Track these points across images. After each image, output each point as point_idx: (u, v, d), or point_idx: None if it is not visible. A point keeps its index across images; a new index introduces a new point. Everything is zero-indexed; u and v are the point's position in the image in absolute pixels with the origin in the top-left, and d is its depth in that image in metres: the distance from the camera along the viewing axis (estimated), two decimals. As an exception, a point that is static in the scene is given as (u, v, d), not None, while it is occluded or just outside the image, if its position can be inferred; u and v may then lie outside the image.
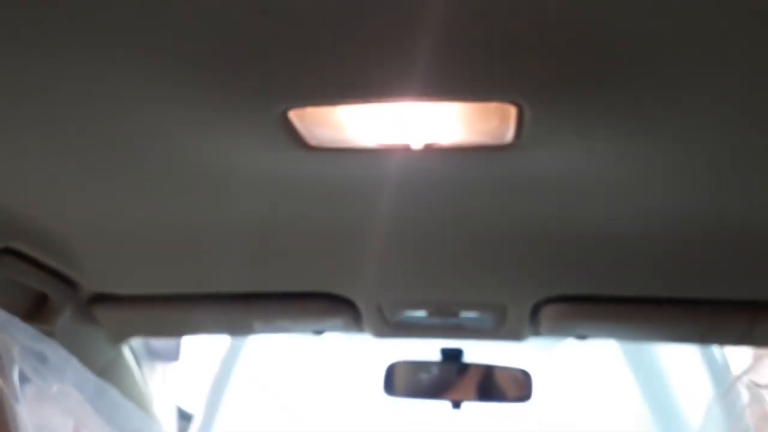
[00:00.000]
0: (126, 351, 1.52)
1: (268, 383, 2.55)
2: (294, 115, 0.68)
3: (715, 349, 2.52)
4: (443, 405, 1.60)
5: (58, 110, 0.71)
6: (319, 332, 1.43)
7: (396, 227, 0.99)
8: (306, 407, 2.52)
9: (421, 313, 1.33)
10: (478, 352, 1.62)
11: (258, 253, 1.11)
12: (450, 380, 1.58)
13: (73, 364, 1.08)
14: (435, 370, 1.59)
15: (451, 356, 1.57)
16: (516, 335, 1.36)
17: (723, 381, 2.49)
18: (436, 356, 1.59)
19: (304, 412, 2.53)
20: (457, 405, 1.58)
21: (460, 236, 1.01)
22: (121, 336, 1.43)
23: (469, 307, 1.27)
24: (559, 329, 1.29)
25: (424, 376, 1.59)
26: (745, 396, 2.60)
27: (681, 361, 2.55)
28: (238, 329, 1.45)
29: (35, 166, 0.85)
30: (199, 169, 0.84)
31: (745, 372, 2.62)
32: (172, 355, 7.10)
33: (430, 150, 0.74)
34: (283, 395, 2.55)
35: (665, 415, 2.48)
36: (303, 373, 2.53)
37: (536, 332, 1.34)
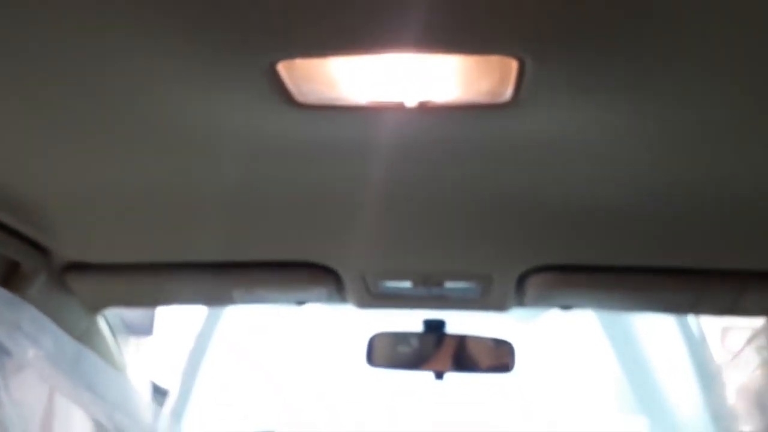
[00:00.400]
0: (101, 322, 1.48)
1: (248, 352, 2.52)
2: (283, 68, 0.63)
3: (691, 320, 2.54)
4: (426, 376, 1.59)
5: (28, 66, 0.66)
6: (301, 302, 1.40)
7: (384, 193, 0.95)
8: (287, 376, 2.50)
9: (405, 284, 1.30)
10: (460, 324, 1.61)
11: (239, 219, 1.08)
12: (432, 351, 1.56)
13: (50, 329, 1.04)
14: (417, 342, 1.57)
15: (434, 328, 1.56)
16: (500, 305, 1.34)
17: (699, 351, 2.50)
18: (419, 328, 1.58)
19: (285, 380, 2.51)
20: (439, 376, 1.56)
21: (449, 203, 0.98)
22: (96, 306, 1.39)
23: (455, 277, 1.24)
24: (545, 299, 1.28)
25: (406, 348, 1.57)
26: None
27: (657, 331, 2.57)
28: (218, 299, 1.41)
29: (3, 128, 0.80)
30: (179, 128, 0.80)
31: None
32: (146, 330, 7.04)
33: (424, 108, 0.71)
34: (264, 364, 2.53)
35: (643, 385, 2.50)
36: (285, 342, 2.51)
37: (521, 303, 1.32)
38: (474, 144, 0.80)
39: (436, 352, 1.55)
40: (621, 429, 2.48)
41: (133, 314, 6.94)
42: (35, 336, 0.99)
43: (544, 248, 1.11)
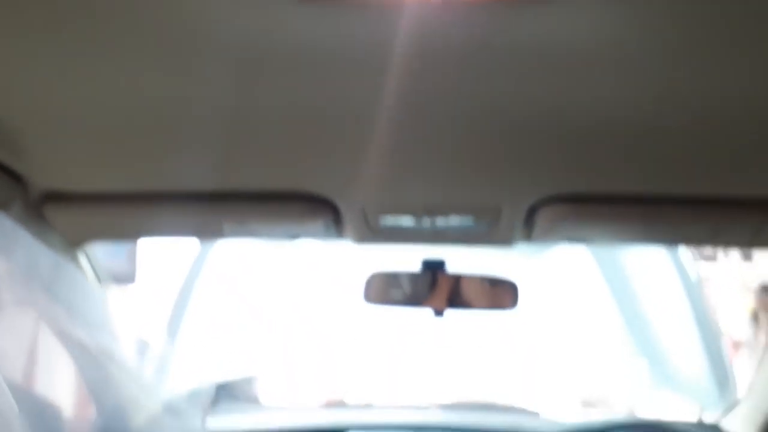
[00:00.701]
0: (83, 258, 1.40)
1: (239, 291, 2.47)
2: None
3: (687, 265, 2.51)
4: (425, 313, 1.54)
5: None
6: (294, 236, 1.32)
7: (391, 112, 0.87)
8: (278, 316, 2.45)
9: (407, 218, 1.23)
10: (460, 265, 1.55)
11: (230, 144, 0.99)
12: (431, 290, 1.50)
13: (23, 240, 0.95)
14: (415, 280, 1.51)
15: (433, 267, 1.49)
16: (507, 240, 1.27)
17: (695, 295, 2.48)
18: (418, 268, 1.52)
19: (276, 320, 2.46)
20: (439, 313, 1.51)
21: (461, 124, 0.90)
22: (77, 240, 1.31)
23: (462, 209, 1.17)
24: (555, 232, 1.21)
25: (404, 286, 1.51)
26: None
27: (655, 276, 2.54)
28: (207, 232, 1.33)
29: None
30: (164, 34, 0.71)
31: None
32: (129, 278, 6.98)
33: (447, 3, 0.62)
34: (256, 300, 2.48)
35: (641, 328, 2.48)
36: (278, 278, 2.45)
37: (529, 237, 1.26)
38: (498, 49, 0.71)
39: (435, 290, 1.49)
40: (621, 371, 2.47)
41: (116, 261, 6.87)
42: (8, 249, 0.90)
43: (558, 175, 1.04)
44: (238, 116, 0.91)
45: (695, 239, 1.23)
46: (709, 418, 2.18)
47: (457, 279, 1.47)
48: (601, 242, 1.28)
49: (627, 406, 2.87)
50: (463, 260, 1.55)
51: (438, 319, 1.55)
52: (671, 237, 1.23)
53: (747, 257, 9.30)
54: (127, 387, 1.91)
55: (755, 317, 5.33)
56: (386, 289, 1.50)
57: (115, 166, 1.07)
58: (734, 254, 9.18)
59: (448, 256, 1.52)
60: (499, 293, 1.51)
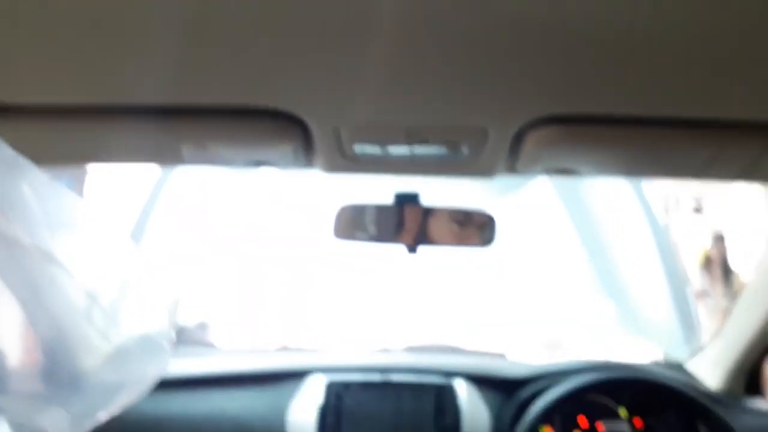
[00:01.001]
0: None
1: (200, 223, 2.36)
2: None
3: (654, 208, 2.49)
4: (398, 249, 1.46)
5: None
6: (260, 164, 1.21)
7: (371, 24, 0.77)
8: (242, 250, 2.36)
9: (384, 144, 1.13)
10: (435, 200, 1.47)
11: (189, 51, 0.87)
12: (404, 224, 1.42)
13: None
14: (388, 214, 1.42)
15: (407, 200, 1.41)
16: (489, 170, 1.19)
17: (662, 240, 2.47)
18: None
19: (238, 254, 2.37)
20: (412, 249, 1.43)
21: (447, 33, 0.80)
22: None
23: (445, 132, 1.07)
24: (542, 160, 1.13)
25: (377, 219, 1.42)
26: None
27: (623, 219, 2.52)
28: (164, 156, 1.21)
29: None
30: None
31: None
32: (76, 223, 6.77)
33: None
34: (215, 235, 2.37)
35: (609, 270, 2.46)
36: (240, 212, 2.35)
37: (513, 167, 1.17)
38: None
39: (409, 224, 1.41)
40: (589, 311, 2.45)
41: (62, 206, 6.67)
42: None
43: (549, 94, 0.95)
44: (199, 19, 0.79)
45: (689, 169, 1.16)
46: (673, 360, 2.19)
47: (432, 212, 1.39)
48: (588, 173, 1.20)
49: (593, 348, 2.88)
50: (437, 196, 1.47)
51: (411, 255, 1.47)
52: (664, 166, 1.16)
53: (698, 210, 9.50)
54: (78, 328, 1.81)
55: (707, 265, 5.43)
56: (356, 224, 1.41)
57: (64, 77, 0.95)
58: (686, 206, 9.36)
59: (423, 191, 1.44)
60: (477, 228, 1.44)
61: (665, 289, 2.37)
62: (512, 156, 1.12)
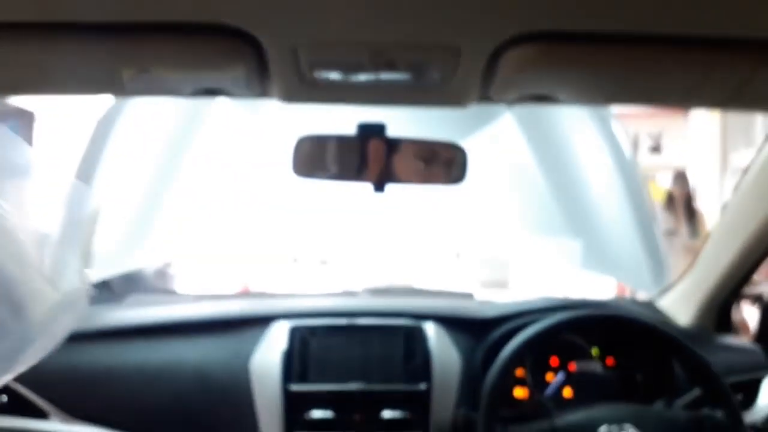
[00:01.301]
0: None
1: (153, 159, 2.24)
2: None
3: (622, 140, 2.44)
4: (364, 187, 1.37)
5: None
6: (210, 92, 1.09)
7: None
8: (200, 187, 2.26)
9: (347, 68, 1.03)
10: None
11: None
12: (370, 159, 1.32)
13: None
14: (352, 147, 1.32)
15: (372, 131, 1.31)
16: (462, 96, 1.09)
17: (625, 164, 2.42)
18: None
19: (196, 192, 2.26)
20: (379, 187, 1.34)
21: None
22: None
23: (413, 54, 0.97)
24: (518, 85, 1.04)
25: (338, 155, 1.32)
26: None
27: (588, 152, 2.46)
28: (105, 84, 1.09)
29: None
30: None
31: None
32: (24, 170, 6.53)
33: None
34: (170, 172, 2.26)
35: (575, 208, 2.41)
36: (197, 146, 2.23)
37: (487, 93, 1.08)
38: None
39: (373, 160, 1.31)
40: (554, 251, 2.41)
41: (8, 153, 6.42)
42: None
43: (531, 7, 0.85)
44: None
45: (674, 94, 1.09)
46: (642, 298, 2.17)
47: (399, 148, 1.29)
48: (566, 99, 1.11)
49: (560, 286, 2.87)
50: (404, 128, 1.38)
51: (377, 194, 1.39)
52: (647, 90, 1.08)
53: (656, 149, 9.59)
54: (26, 277, 1.70)
55: (670, 203, 5.47)
56: (317, 159, 1.31)
57: None
58: (644, 146, 9.43)
59: (389, 122, 1.34)
60: (445, 165, 1.36)
61: (632, 226, 2.34)
62: (486, 81, 1.03)
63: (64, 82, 1.08)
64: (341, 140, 1.31)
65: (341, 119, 1.34)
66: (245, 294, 2.13)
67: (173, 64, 0.97)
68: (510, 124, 2.36)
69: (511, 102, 1.14)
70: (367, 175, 1.34)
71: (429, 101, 1.14)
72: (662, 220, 5.12)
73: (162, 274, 5.42)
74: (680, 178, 5.66)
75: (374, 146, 1.31)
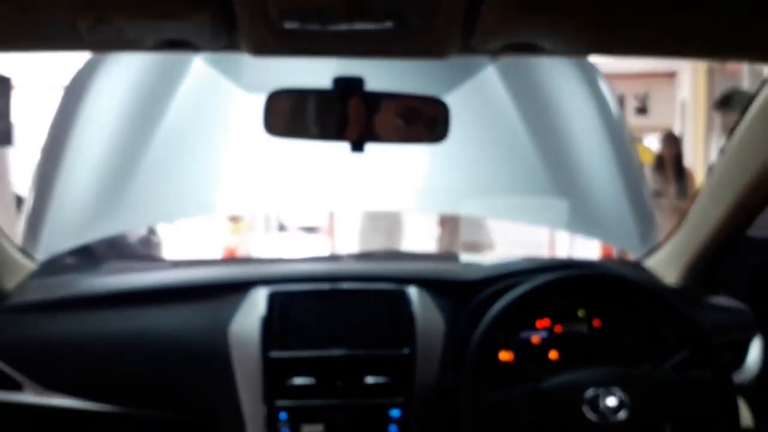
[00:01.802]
0: None
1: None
2: None
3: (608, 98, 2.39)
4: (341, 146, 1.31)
5: None
6: (174, 44, 1.03)
7: None
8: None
9: (315, 21, 0.96)
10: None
11: None
12: (348, 118, 1.26)
13: None
14: (330, 104, 1.26)
15: (349, 86, 1.25)
16: (443, 47, 1.03)
17: (615, 128, 2.38)
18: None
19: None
20: (358, 147, 1.28)
21: None
22: None
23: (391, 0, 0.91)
24: (502, 31, 0.98)
25: (316, 111, 1.26)
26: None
27: (574, 110, 2.41)
28: (61, 38, 1.02)
29: None
30: None
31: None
32: (4, 139, 6.43)
33: None
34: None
35: (560, 167, 2.37)
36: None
37: (468, 43, 1.02)
38: None
39: (354, 117, 1.26)
40: (539, 212, 2.37)
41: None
42: None
43: None
44: None
45: (661, 43, 1.04)
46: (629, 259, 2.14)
47: (379, 105, 1.23)
48: (552, 49, 1.06)
49: (547, 247, 2.84)
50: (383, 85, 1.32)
51: (355, 154, 1.33)
52: (635, 40, 1.02)
53: (642, 111, 9.56)
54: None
55: (660, 165, 5.44)
56: (292, 116, 1.25)
57: None
58: (630, 107, 9.41)
59: (368, 80, 1.28)
60: (427, 123, 1.30)
61: (619, 186, 2.29)
62: (468, 29, 0.97)
63: (17, 38, 1.01)
64: (318, 95, 1.25)
65: (317, 77, 1.28)
66: (226, 259, 2.08)
67: (132, 13, 0.91)
68: (492, 78, 2.30)
69: (495, 53, 1.08)
70: (346, 134, 1.28)
71: (408, 52, 1.08)
72: (651, 181, 5.09)
73: (146, 241, 5.36)
74: (669, 138, 5.62)
75: (353, 103, 1.25)
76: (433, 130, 1.32)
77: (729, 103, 4.80)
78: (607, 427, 1.32)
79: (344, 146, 1.29)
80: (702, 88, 8.07)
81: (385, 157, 2.04)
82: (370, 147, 1.32)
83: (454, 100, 1.38)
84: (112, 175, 2.27)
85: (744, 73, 6.34)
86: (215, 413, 1.53)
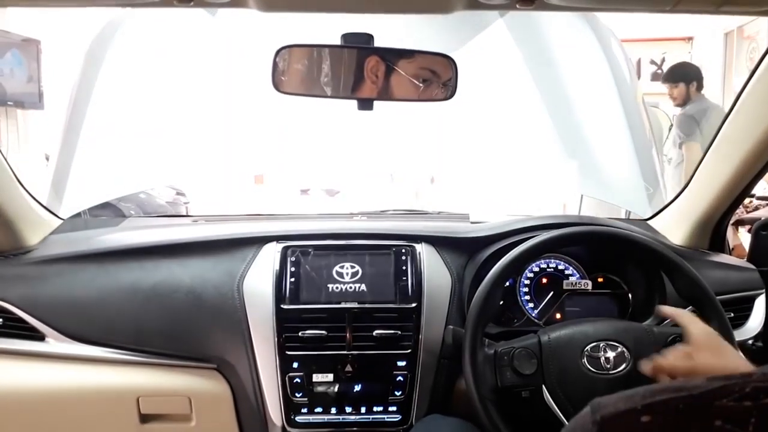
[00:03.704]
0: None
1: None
2: None
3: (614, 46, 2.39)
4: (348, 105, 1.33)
5: None
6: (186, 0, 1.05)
7: None
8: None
9: None
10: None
11: None
12: (355, 73, 1.28)
13: None
14: (336, 60, 1.28)
15: (358, 42, 1.26)
16: (448, 1, 1.05)
17: (625, 86, 2.38)
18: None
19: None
20: (366, 105, 1.30)
21: None
22: None
23: None
24: None
25: (324, 67, 1.28)
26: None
27: (587, 73, 2.41)
28: None
29: None
30: None
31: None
32: (35, 103, 6.50)
33: None
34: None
35: (571, 129, 2.38)
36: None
37: None
38: None
39: (361, 73, 1.27)
40: (551, 173, 2.38)
41: (17, 86, 6.38)
42: None
43: None
44: None
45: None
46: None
47: (389, 57, 1.25)
48: (560, 3, 1.06)
49: (555, 206, 2.86)
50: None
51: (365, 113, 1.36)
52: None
53: (658, 77, 9.41)
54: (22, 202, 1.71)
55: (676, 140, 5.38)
56: (300, 72, 1.27)
57: None
58: (647, 72, 9.27)
59: (376, 35, 1.29)
60: (441, 75, 1.31)
61: (630, 149, 2.30)
62: None
63: None
64: (327, 51, 1.26)
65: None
66: (243, 216, 2.11)
67: None
68: (501, 36, 2.30)
69: (499, 7, 1.09)
70: (355, 91, 1.30)
71: (414, 7, 1.10)
72: (676, 151, 5.05)
73: (175, 203, 5.44)
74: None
75: (362, 59, 1.27)
76: (443, 88, 1.34)
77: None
78: (608, 380, 1.32)
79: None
80: (720, 51, 7.94)
81: (391, 117, 2.06)
82: (380, 107, 1.34)
83: (460, 57, 1.39)
84: (132, 136, 2.32)
85: (762, 36, 6.24)
86: (230, 362, 1.58)
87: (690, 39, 9.15)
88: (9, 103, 6.32)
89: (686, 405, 0.53)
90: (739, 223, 2.85)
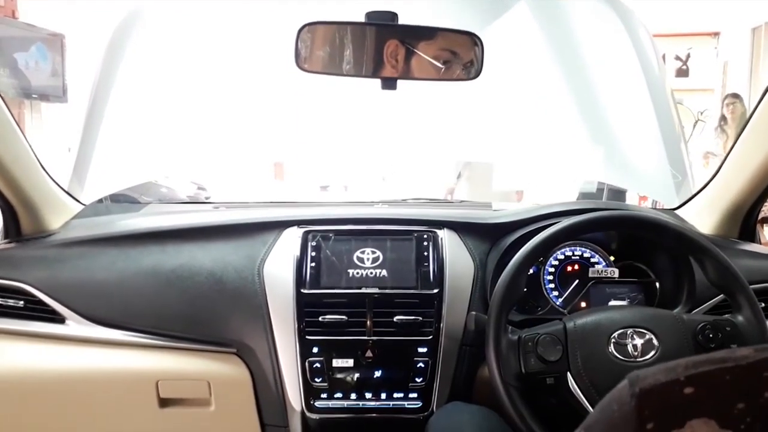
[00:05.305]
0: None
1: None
2: None
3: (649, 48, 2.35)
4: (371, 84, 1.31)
5: None
6: None
7: None
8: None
9: None
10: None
11: None
12: (381, 50, 1.26)
13: None
14: (361, 39, 1.26)
15: (382, 21, 1.24)
16: None
17: (654, 77, 2.34)
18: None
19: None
20: (390, 84, 1.28)
21: None
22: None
23: None
24: None
25: (348, 45, 1.26)
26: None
27: (615, 62, 2.37)
28: None
29: None
30: None
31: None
32: (59, 97, 6.56)
33: None
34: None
35: (598, 115, 2.34)
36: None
37: None
38: None
39: (386, 51, 1.25)
40: (577, 157, 2.35)
41: (41, 79, 6.45)
42: None
43: None
44: None
45: None
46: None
47: (413, 35, 1.23)
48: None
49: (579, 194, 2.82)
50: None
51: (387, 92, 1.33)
52: None
53: (683, 73, 9.32)
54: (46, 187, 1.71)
55: (721, 124, 5.32)
56: (325, 50, 1.25)
57: None
58: (671, 68, 9.17)
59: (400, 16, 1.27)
60: (466, 54, 1.28)
61: (657, 138, 2.26)
62: None
63: None
64: (352, 32, 1.25)
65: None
66: (263, 203, 2.10)
67: None
68: (523, 17, 2.27)
69: None
70: (380, 70, 1.28)
71: None
72: (713, 142, 4.99)
73: (195, 197, 5.46)
74: (735, 97, 5.46)
75: (387, 38, 1.25)
76: (468, 68, 1.31)
77: None
78: (636, 368, 1.30)
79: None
80: (747, 46, 7.83)
81: (416, 99, 2.04)
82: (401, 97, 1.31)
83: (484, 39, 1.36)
84: (152, 123, 2.32)
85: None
86: (250, 346, 1.57)
87: (716, 34, 9.04)
88: (33, 96, 6.39)
89: (733, 376, 0.50)
90: (765, 221, 2.79)
